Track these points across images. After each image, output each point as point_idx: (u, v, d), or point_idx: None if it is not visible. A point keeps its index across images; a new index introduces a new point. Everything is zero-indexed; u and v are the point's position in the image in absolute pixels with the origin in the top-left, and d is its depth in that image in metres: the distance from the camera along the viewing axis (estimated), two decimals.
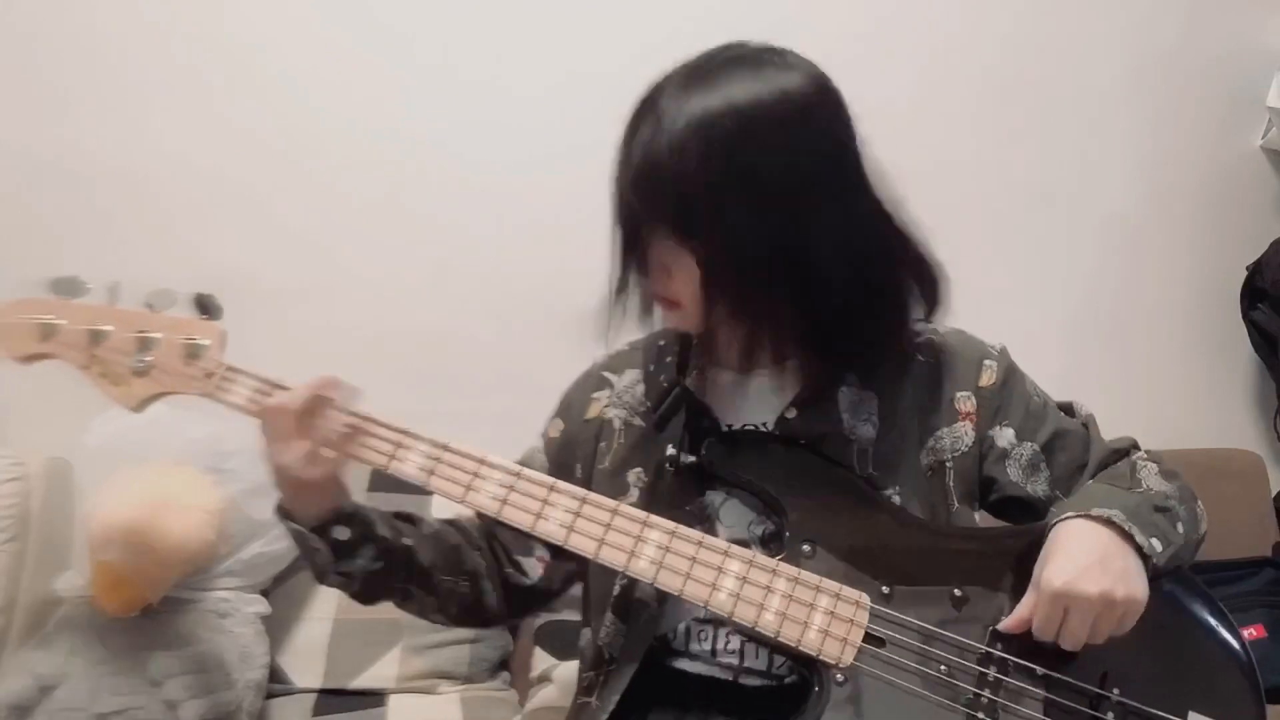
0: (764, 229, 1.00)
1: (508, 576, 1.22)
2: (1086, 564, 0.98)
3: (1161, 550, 1.02)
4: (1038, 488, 1.15)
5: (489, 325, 2.03)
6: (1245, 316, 2.31)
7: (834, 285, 1.04)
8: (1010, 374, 1.19)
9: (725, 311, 1.05)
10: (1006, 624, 1.02)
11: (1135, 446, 1.20)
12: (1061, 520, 1.04)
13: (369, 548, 1.10)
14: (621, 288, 1.08)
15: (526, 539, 1.17)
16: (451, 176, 2.02)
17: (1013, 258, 2.25)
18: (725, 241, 1.01)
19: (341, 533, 1.08)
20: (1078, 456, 1.17)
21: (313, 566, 1.11)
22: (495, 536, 1.22)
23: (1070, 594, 0.97)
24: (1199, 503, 1.14)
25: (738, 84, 1.00)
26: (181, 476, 1.63)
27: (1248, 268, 2.29)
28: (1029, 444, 1.16)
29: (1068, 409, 1.21)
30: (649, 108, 1.02)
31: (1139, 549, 1.01)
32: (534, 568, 1.22)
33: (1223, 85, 2.32)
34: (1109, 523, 1.01)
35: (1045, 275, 2.28)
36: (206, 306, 1.10)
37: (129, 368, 1.09)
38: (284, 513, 1.09)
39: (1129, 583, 0.98)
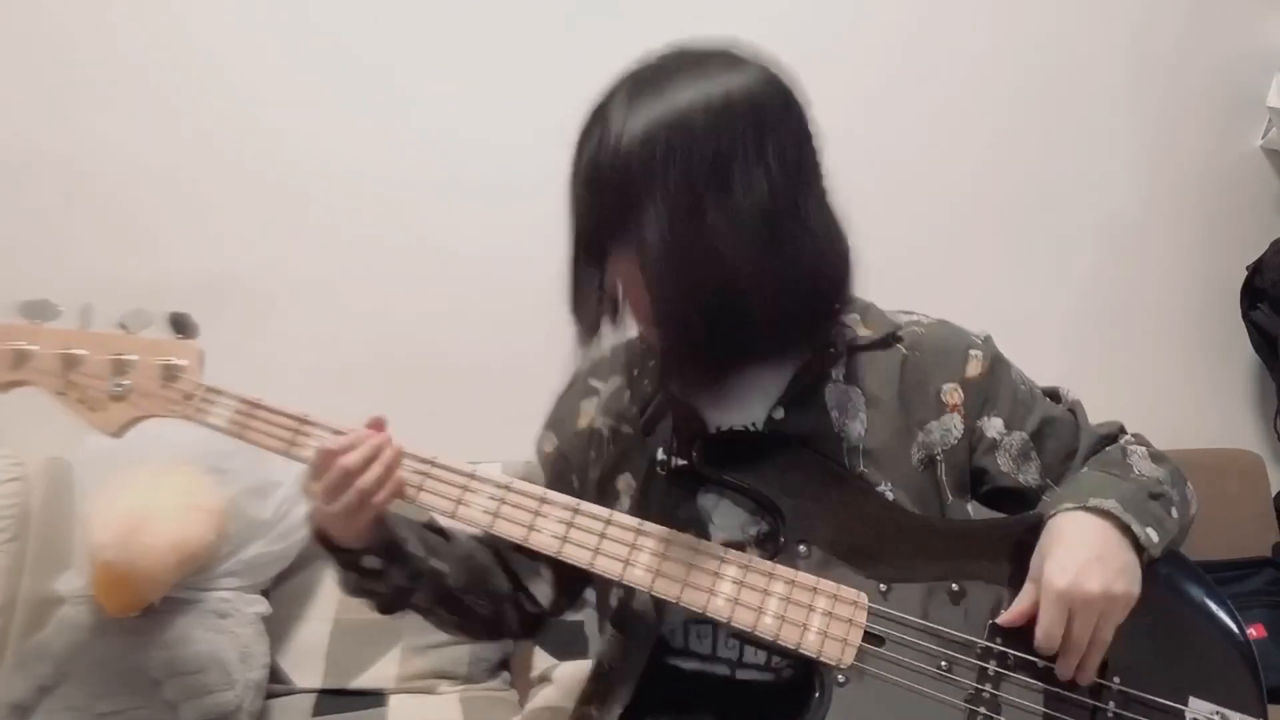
0: (700, 230, 0.97)
1: (520, 602, 1.21)
2: (1087, 560, 0.97)
3: (1157, 541, 1.02)
4: (1029, 477, 1.15)
5: (486, 326, 2.02)
6: (1245, 316, 2.30)
7: (768, 281, 1.00)
8: (996, 363, 1.17)
9: (673, 316, 1.02)
10: (1005, 618, 1.02)
11: (1122, 430, 1.19)
12: (1059, 512, 1.03)
13: (398, 570, 1.09)
14: (580, 298, 1.04)
15: (531, 560, 1.16)
16: (448, 176, 2.01)
17: (1013, 257, 2.25)
18: (664, 246, 0.98)
19: (372, 562, 1.07)
20: (1067, 443, 1.16)
21: (341, 581, 1.11)
22: (506, 561, 1.20)
23: (1073, 594, 0.96)
24: (1189, 484, 1.13)
25: (681, 90, 0.98)
26: (181, 477, 1.63)
27: (1248, 268, 2.29)
28: (1018, 433, 1.15)
29: (1054, 395, 1.20)
30: (598, 117, 1.00)
31: (1135, 540, 1.01)
32: (545, 594, 1.21)
33: (1223, 85, 2.32)
34: (1106, 514, 1.01)
35: (1046, 275, 2.28)
36: (182, 325, 1.07)
37: (105, 392, 1.06)
38: (320, 535, 1.07)
39: (1128, 578, 0.98)
